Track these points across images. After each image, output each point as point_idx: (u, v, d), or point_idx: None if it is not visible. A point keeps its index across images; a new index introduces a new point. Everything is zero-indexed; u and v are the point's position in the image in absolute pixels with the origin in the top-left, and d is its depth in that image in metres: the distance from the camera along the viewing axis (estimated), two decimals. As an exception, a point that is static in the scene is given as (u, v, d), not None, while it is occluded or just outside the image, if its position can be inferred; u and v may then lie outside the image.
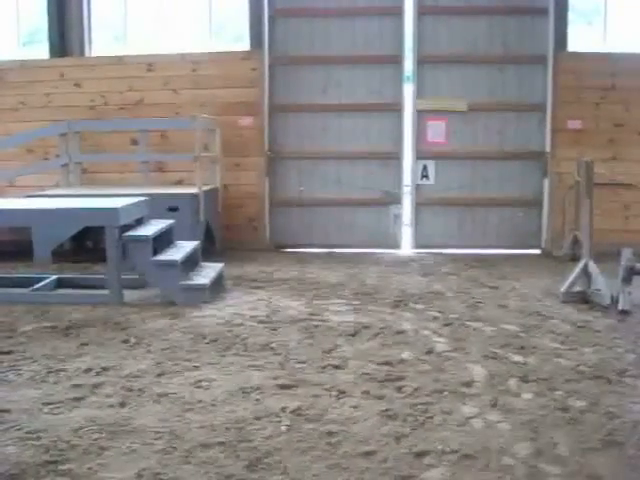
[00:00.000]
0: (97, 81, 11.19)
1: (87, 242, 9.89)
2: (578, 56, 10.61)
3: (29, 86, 11.31)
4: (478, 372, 5.17)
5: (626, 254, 6.94)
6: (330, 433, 4.06)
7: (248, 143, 11.06)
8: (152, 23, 11.67)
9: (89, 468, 3.64)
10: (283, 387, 4.84)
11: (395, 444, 3.93)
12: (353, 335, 6.15)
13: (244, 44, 11.28)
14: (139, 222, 7.91)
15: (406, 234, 11.35)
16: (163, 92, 11.14)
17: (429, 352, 5.66)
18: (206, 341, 5.96)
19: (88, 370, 5.20)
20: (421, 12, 10.89)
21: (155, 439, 3.98)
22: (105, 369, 5.23)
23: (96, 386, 4.86)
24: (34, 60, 11.53)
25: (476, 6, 10.79)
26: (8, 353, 5.62)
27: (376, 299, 7.58)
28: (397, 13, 10.97)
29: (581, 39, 10.91)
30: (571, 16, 10.76)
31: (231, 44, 11.58)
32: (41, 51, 11.75)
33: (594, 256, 7.58)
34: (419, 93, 10.97)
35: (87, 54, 11.66)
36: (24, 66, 11.39)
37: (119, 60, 11.24)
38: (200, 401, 4.57)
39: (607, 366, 5.29)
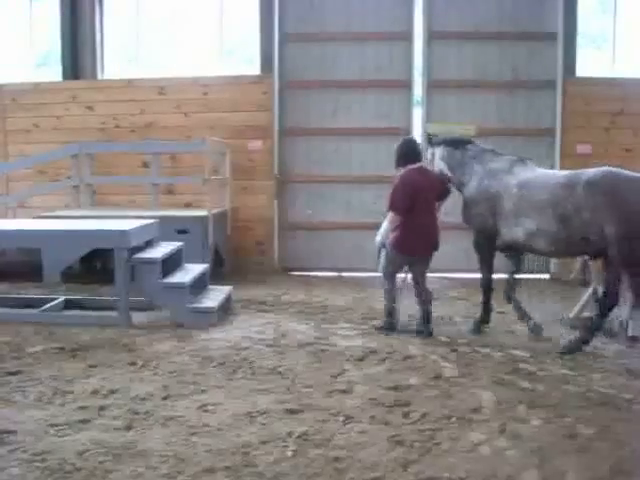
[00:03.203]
0: (109, 104, 11.29)
1: (96, 264, 9.91)
2: (587, 81, 10.64)
3: (42, 108, 11.43)
4: (486, 398, 5.13)
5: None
6: (337, 459, 4.04)
7: (257, 166, 11.11)
8: (164, 46, 11.80)
9: (94, 491, 3.63)
10: (290, 412, 4.83)
11: (402, 470, 3.90)
12: (361, 360, 6.13)
13: (254, 67, 11.37)
14: (148, 244, 7.93)
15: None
16: (174, 115, 11.22)
17: (437, 377, 5.64)
18: (213, 364, 5.95)
19: (95, 392, 5.21)
20: (431, 37, 10.97)
21: (160, 463, 3.97)
22: (112, 391, 5.22)
23: (102, 408, 4.86)
24: (47, 82, 11.66)
25: (485, 32, 10.85)
26: (15, 374, 5.63)
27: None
28: (407, 38, 11.06)
29: (590, 64, 10.98)
30: (580, 41, 10.83)
31: (242, 67, 11.67)
32: (54, 73, 11.89)
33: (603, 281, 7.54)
34: (428, 118, 11.01)
35: (99, 77, 11.79)
36: (37, 88, 11.51)
37: (131, 83, 11.35)
38: (206, 425, 4.56)
39: (616, 393, 5.25)
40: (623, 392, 5.27)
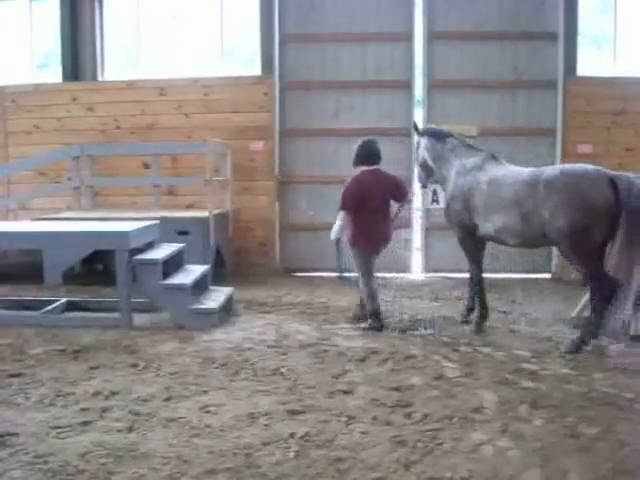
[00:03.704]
0: (109, 105, 11.30)
1: (97, 265, 9.91)
2: (588, 81, 10.65)
3: (42, 110, 11.45)
4: (488, 398, 5.13)
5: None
6: (339, 459, 4.04)
7: (259, 167, 11.12)
8: (164, 47, 11.80)
9: (96, 493, 3.63)
10: (292, 412, 4.83)
11: (404, 471, 3.90)
12: (362, 360, 6.13)
13: (255, 67, 11.37)
14: (149, 246, 7.93)
15: (416, 258, 11.32)
16: (175, 116, 11.23)
17: (439, 377, 5.63)
18: (215, 365, 5.95)
19: (97, 394, 5.21)
20: (431, 37, 10.99)
21: (162, 464, 3.97)
22: (114, 393, 5.22)
23: (104, 410, 4.86)
24: (47, 84, 11.68)
25: (486, 31, 10.85)
26: (17, 376, 5.64)
27: (386, 324, 7.54)
28: (407, 39, 11.07)
29: (591, 64, 10.97)
30: (580, 41, 10.82)
31: (242, 67, 11.66)
32: (53, 75, 11.90)
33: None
34: (430, 118, 11.00)
35: (100, 78, 11.80)
36: (37, 90, 11.52)
37: (131, 84, 11.35)
38: (208, 426, 4.56)
39: (618, 392, 5.24)
40: (625, 392, 5.26)
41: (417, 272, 11.16)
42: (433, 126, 8.36)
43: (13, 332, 7.01)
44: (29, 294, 8.82)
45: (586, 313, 7.35)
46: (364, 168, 7.37)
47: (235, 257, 10.90)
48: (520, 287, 9.62)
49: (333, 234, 7.46)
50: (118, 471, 3.89)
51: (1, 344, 6.60)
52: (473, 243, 7.35)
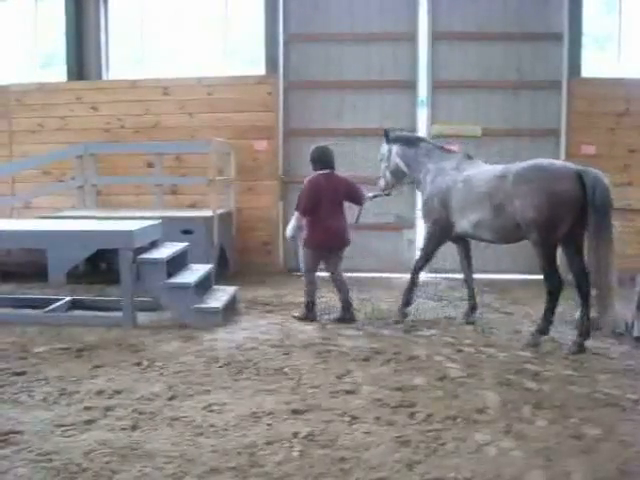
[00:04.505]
0: (113, 104, 11.33)
1: (101, 264, 9.93)
2: (592, 81, 10.64)
3: (46, 108, 11.48)
4: (491, 399, 5.13)
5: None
6: (342, 459, 4.04)
7: (262, 167, 11.12)
8: (168, 47, 11.81)
9: (100, 492, 3.64)
10: (295, 412, 4.83)
11: (407, 471, 3.91)
12: (366, 360, 6.14)
13: (258, 67, 11.38)
14: (153, 245, 7.95)
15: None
16: (178, 115, 11.24)
17: (442, 378, 5.64)
18: (219, 365, 5.96)
19: (100, 392, 5.22)
20: (435, 38, 10.98)
21: (166, 463, 3.98)
22: (117, 392, 5.24)
23: (108, 409, 4.87)
24: (52, 83, 11.70)
25: (490, 32, 10.85)
26: (21, 374, 5.65)
27: (389, 324, 7.56)
28: (411, 39, 11.07)
29: (595, 64, 10.95)
30: (584, 41, 10.80)
31: (246, 67, 11.68)
32: (58, 74, 11.92)
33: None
34: (433, 118, 11.02)
35: (104, 77, 11.82)
36: (42, 89, 11.55)
37: (135, 84, 11.37)
38: (212, 425, 4.57)
39: (621, 394, 5.25)
40: (629, 393, 5.27)
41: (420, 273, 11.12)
42: (404, 132, 8.54)
43: (17, 330, 7.03)
44: (33, 292, 8.84)
45: (592, 314, 7.36)
46: (320, 172, 7.76)
47: (239, 256, 10.92)
48: (522, 288, 9.61)
49: (289, 232, 7.86)
50: (122, 470, 3.90)
51: (5, 342, 6.62)
52: (440, 239, 7.68)
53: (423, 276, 10.79)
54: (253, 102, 11.10)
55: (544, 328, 6.75)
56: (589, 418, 4.72)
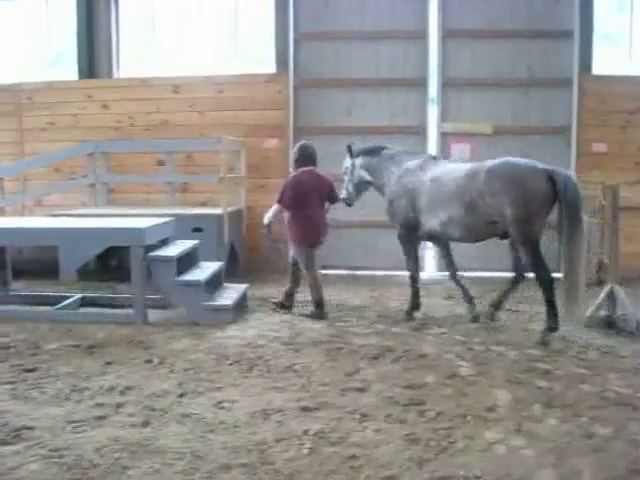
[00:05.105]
0: (124, 102, 11.36)
1: (112, 261, 9.96)
2: (603, 79, 10.59)
3: (57, 107, 11.53)
4: (501, 397, 5.13)
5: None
6: (352, 457, 4.05)
7: (273, 165, 11.13)
8: (178, 45, 11.84)
9: (111, 488, 3.65)
10: (305, 409, 4.84)
11: (417, 469, 3.91)
12: (376, 358, 6.14)
13: (267, 66, 11.39)
14: (164, 242, 7.97)
15: (429, 257, 11.30)
16: (189, 114, 11.27)
17: (452, 376, 5.63)
18: (229, 362, 5.97)
19: (111, 389, 5.24)
20: (445, 36, 10.95)
21: (177, 459, 4.00)
22: (128, 388, 5.26)
23: (119, 405, 4.90)
24: (62, 81, 11.73)
25: (500, 30, 10.82)
26: (32, 371, 5.68)
27: (399, 322, 7.56)
28: (421, 36, 11.04)
29: (606, 62, 10.90)
30: (596, 39, 10.75)
31: (256, 65, 11.69)
32: (67, 72, 11.97)
33: (619, 280, 7.51)
34: (443, 116, 11.00)
35: (115, 76, 11.85)
36: (52, 87, 11.60)
37: (145, 82, 11.40)
38: (222, 422, 4.59)
39: (632, 392, 5.23)
40: (639, 392, 5.25)
41: (430, 271, 11.12)
42: (365, 145, 8.65)
43: (29, 327, 7.07)
44: (44, 290, 8.86)
45: (603, 312, 7.35)
46: (302, 169, 7.99)
47: (249, 254, 10.92)
48: (531, 286, 9.57)
49: (265, 220, 7.96)
50: (132, 466, 3.92)
51: (17, 339, 6.66)
52: (412, 240, 7.78)
53: (434, 274, 10.87)
54: (263, 100, 11.11)
55: (552, 323, 6.73)
56: (599, 417, 4.71)
